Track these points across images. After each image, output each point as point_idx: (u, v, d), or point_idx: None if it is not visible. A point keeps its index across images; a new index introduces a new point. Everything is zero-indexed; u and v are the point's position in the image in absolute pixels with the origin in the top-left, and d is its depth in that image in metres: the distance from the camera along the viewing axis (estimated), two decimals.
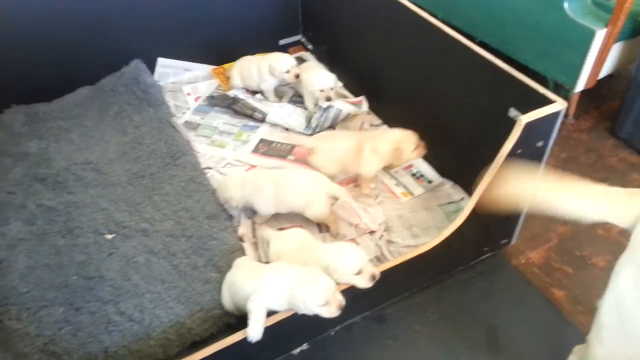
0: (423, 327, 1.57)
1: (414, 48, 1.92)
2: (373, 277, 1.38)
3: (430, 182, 1.95)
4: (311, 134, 2.18)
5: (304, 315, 1.32)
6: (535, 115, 1.36)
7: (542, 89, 1.45)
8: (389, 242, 1.75)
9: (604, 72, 2.05)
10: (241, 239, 1.78)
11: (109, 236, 1.76)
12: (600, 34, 1.89)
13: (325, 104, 2.17)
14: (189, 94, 2.46)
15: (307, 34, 2.74)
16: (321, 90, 2.16)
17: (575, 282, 1.67)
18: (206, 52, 2.55)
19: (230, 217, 1.84)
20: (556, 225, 1.84)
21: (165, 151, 2.06)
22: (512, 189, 1.32)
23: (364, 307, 1.58)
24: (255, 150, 2.14)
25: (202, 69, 2.57)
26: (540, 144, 1.45)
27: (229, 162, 2.10)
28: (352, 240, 1.77)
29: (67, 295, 1.58)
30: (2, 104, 2.24)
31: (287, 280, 1.33)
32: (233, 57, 2.49)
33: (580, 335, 1.46)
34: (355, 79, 2.29)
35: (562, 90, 2.08)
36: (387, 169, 1.99)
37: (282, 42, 2.74)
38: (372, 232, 1.78)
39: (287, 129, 2.22)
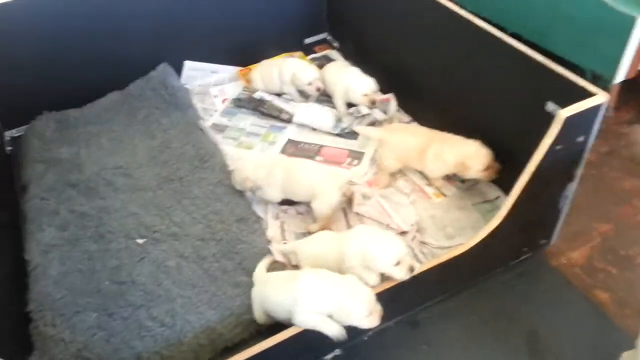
0: (459, 332, 1.52)
1: (444, 42, 1.86)
2: (411, 269, 1.34)
3: (463, 181, 1.88)
4: (339, 134, 2.15)
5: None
6: (575, 109, 1.30)
7: (581, 81, 1.38)
8: (422, 243, 1.70)
9: None
10: (269, 242, 1.76)
11: (140, 241, 1.76)
12: None
13: (365, 111, 2.15)
14: (216, 96, 2.45)
15: (333, 32, 2.70)
16: (365, 95, 2.12)
17: (620, 284, 1.59)
18: (232, 53, 2.55)
19: (259, 220, 1.83)
20: (598, 223, 1.76)
21: (193, 154, 2.05)
22: None
23: (397, 312, 1.54)
24: (283, 151, 2.11)
25: (228, 71, 2.56)
26: (581, 139, 1.38)
27: None
28: None
29: (99, 300, 1.59)
30: (35, 112, 2.28)
31: (326, 290, 1.29)
32: (259, 58, 2.48)
33: (628, 340, 1.39)
34: (383, 76, 2.23)
35: (601, 82, 1.98)
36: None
37: (307, 40, 2.72)
38: (403, 233, 1.74)
39: (314, 129, 2.19)
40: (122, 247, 1.74)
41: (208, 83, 2.52)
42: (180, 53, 2.47)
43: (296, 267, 1.62)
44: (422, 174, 1.93)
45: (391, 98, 2.26)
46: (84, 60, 2.26)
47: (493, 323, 1.53)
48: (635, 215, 1.77)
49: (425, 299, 1.57)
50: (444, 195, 1.86)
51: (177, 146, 2.11)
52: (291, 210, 1.87)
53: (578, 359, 1.43)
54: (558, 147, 1.34)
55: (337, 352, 1.47)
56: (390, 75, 2.23)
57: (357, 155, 2.05)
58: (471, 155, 1.71)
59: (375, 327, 1.31)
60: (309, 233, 1.75)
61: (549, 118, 1.38)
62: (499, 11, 2.24)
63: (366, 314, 1.26)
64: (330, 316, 1.28)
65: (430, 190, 1.88)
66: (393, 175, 1.93)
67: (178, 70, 2.46)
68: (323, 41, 2.74)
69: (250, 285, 1.58)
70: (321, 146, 2.11)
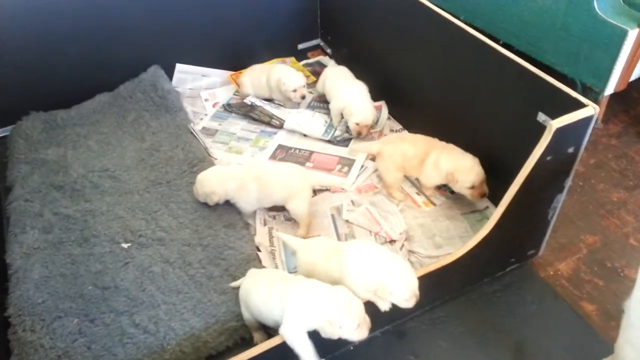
0: (446, 342, 1.51)
1: (437, 51, 1.86)
2: (417, 301, 1.33)
3: (452, 192, 1.87)
4: (329, 141, 2.14)
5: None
6: (566, 120, 1.30)
7: (573, 93, 1.38)
8: (411, 252, 1.69)
9: (635, 74, 1.96)
10: (258, 248, 1.74)
11: (125, 245, 1.74)
12: (633, 34, 1.80)
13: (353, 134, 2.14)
14: (206, 100, 2.43)
15: (326, 38, 2.70)
16: (357, 123, 2.08)
17: (606, 296, 1.59)
18: (224, 57, 2.54)
19: (247, 226, 1.81)
20: (585, 235, 1.76)
21: (182, 158, 2.03)
22: None
23: (384, 321, 1.52)
24: (273, 156, 2.10)
25: (220, 75, 2.55)
26: (571, 150, 1.38)
27: None
28: None
29: (81, 306, 1.56)
30: (22, 111, 2.24)
31: (316, 303, 1.26)
32: (251, 63, 2.47)
33: (613, 351, 1.38)
34: (375, 83, 2.23)
35: (591, 94, 2.00)
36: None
37: (300, 46, 2.72)
38: (392, 241, 1.73)
39: (305, 135, 2.18)
40: (107, 251, 1.71)
41: (199, 86, 2.51)
42: (172, 56, 2.45)
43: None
44: (413, 182, 1.93)
45: (382, 106, 2.26)
46: (73, 60, 2.24)
47: (480, 334, 1.52)
48: (622, 228, 1.78)
49: (412, 308, 1.55)
50: (434, 204, 1.86)
51: (166, 149, 2.09)
52: (280, 216, 1.85)
53: None
54: (548, 158, 1.34)
55: None
56: (381, 82, 2.23)
57: (347, 162, 2.04)
58: (463, 169, 1.71)
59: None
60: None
61: (540, 128, 1.38)
62: (492, 21, 2.26)
63: (355, 327, 1.24)
64: (318, 329, 1.26)
65: (420, 199, 1.88)
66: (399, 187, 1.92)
67: (169, 72, 2.44)
68: (316, 47, 2.74)
69: (236, 292, 1.56)
70: (311, 152, 2.10)
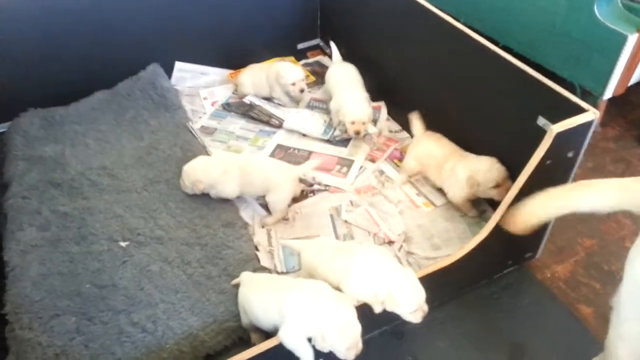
0: (444, 343, 1.51)
1: (436, 53, 1.87)
2: (424, 314, 1.33)
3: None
4: (328, 141, 2.14)
5: None
6: (566, 124, 1.30)
7: (573, 97, 1.39)
8: (409, 253, 1.70)
9: (633, 79, 1.97)
10: (256, 248, 1.74)
11: (123, 244, 1.73)
12: (632, 39, 1.81)
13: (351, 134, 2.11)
14: (205, 99, 2.43)
15: (325, 38, 2.70)
16: (352, 122, 2.06)
17: (603, 299, 1.60)
18: (223, 56, 2.53)
19: (245, 225, 1.81)
20: (583, 239, 1.77)
21: (180, 156, 2.02)
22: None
23: (382, 321, 1.52)
24: (272, 156, 2.09)
25: (219, 74, 2.54)
26: (570, 154, 1.39)
27: None
28: None
29: (79, 304, 1.55)
30: (20, 108, 2.23)
31: (314, 316, 1.25)
32: (250, 62, 2.47)
33: None
34: (374, 84, 2.23)
35: (590, 97, 2.00)
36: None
37: (300, 46, 2.71)
38: (390, 242, 1.73)
39: (304, 135, 2.18)
40: (105, 250, 1.71)
41: (198, 85, 2.50)
42: (171, 54, 2.44)
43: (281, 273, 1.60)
44: (413, 183, 1.93)
45: (381, 106, 2.26)
46: (72, 57, 2.22)
47: (478, 335, 1.52)
48: (619, 231, 1.79)
49: None
50: (434, 205, 1.86)
51: (165, 148, 2.08)
52: None
53: None
54: (548, 162, 1.35)
55: None
56: (380, 83, 2.24)
57: (346, 163, 2.04)
58: (482, 170, 1.67)
59: None
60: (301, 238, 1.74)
61: (540, 132, 1.38)
62: (492, 24, 2.26)
63: (345, 350, 1.23)
64: (310, 338, 1.26)
65: (419, 200, 1.88)
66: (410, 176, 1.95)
67: (168, 71, 2.43)
68: (316, 47, 2.74)
69: (234, 292, 1.56)
70: (310, 152, 2.10)
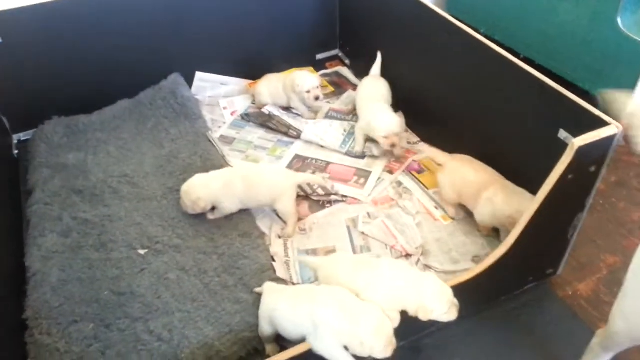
0: (461, 359, 1.49)
1: (456, 64, 1.86)
2: (457, 307, 1.34)
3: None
4: (347, 154, 2.13)
5: None
6: (588, 138, 1.28)
7: (595, 110, 1.36)
8: (427, 266, 1.68)
9: None
10: (272, 259, 1.74)
11: (142, 251, 1.75)
12: None
13: (376, 152, 2.10)
14: (225, 108, 2.45)
15: (345, 49, 2.71)
16: (386, 137, 1.99)
17: None
18: (243, 66, 2.55)
19: (262, 236, 1.81)
20: (606, 255, 1.73)
21: (200, 165, 2.04)
22: None
23: (400, 337, 1.49)
24: (290, 166, 2.10)
25: (238, 84, 2.57)
26: (593, 169, 1.36)
27: None
28: None
29: (97, 310, 1.57)
30: (44, 116, 2.28)
31: (349, 322, 1.26)
32: (269, 72, 2.48)
33: None
34: (393, 95, 2.23)
35: None
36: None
37: (319, 56, 2.72)
38: (408, 255, 1.71)
39: (322, 146, 2.18)
40: (124, 257, 1.73)
41: (218, 95, 2.53)
42: (192, 64, 2.47)
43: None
44: (431, 196, 1.91)
45: (400, 116, 2.25)
46: (95, 67, 2.27)
47: (496, 353, 1.50)
48: None
49: (428, 324, 1.52)
50: (452, 218, 1.84)
51: (185, 157, 2.10)
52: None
53: None
54: (570, 177, 1.32)
55: None
56: (399, 94, 2.23)
57: (364, 174, 2.04)
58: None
59: None
60: (311, 251, 1.74)
61: (561, 146, 1.36)
62: (513, 35, 2.24)
63: (385, 346, 1.25)
64: (347, 346, 1.26)
65: (437, 213, 1.86)
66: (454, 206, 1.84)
67: (189, 80, 2.47)
68: (335, 58, 2.74)
69: (250, 302, 1.56)
70: (328, 163, 2.10)
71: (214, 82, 2.54)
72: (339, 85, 2.56)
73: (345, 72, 2.64)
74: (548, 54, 2.14)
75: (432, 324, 1.52)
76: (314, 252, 1.75)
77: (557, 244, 1.58)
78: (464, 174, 1.73)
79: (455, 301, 1.35)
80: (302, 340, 1.32)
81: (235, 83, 2.56)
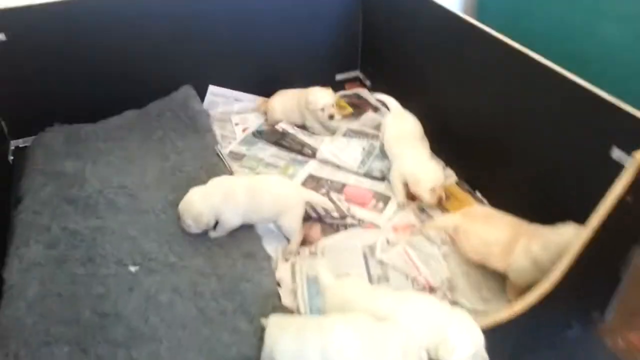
0: None
1: (493, 78, 1.70)
2: None
3: None
4: (365, 175, 1.95)
5: None
6: None
7: None
8: (454, 303, 1.47)
9: None
10: (278, 284, 1.54)
11: (133, 268, 1.57)
12: None
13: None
14: (237, 124, 2.31)
15: (366, 70, 2.58)
16: (432, 189, 1.73)
17: None
18: (258, 83, 2.44)
19: (267, 258, 1.62)
20: None
21: (205, 180, 1.85)
22: None
23: None
24: (303, 186, 1.93)
25: (252, 100, 2.44)
26: None
27: None
28: None
29: (76, 332, 1.38)
30: (45, 123, 2.16)
31: (369, 347, 1.09)
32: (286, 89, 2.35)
33: None
34: (419, 119, 2.06)
35: None
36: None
37: (339, 77, 2.60)
38: (432, 289, 1.51)
39: (339, 166, 2.01)
40: (112, 274, 1.55)
41: (230, 110, 2.40)
42: (205, 77, 2.36)
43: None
44: None
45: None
46: (103, 74, 2.15)
47: None
48: None
49: None
50: None
51: (190, 170, 1.95)
52: (304, 250, 1.66)
53: None
54: (628, 199, 1.13)
55: None
56: (426, 119, 2.05)
57: (383, 198, 1.86)
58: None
59: None
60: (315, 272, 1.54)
61: (612, 167, 1.18)
62: (548, 53, 2.07)
63: None
64: None
65: None
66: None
67: (201, 93, 2.35)
68: (355, 79, 2.61)
69: (250, 332, 1.37)
70: (344, 184, 1.92)
71: (227, 97, 2.41)
72: (358, 107, 2.41)
73: (366, 94, 2.50)
74: (589, 76, 1.97)
75: None
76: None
77: (607, 283, 1.36)
78: (482, 236, 1.51)
79: (486, 356, 1.14)
80: None
81: (249, 99, 2.43)
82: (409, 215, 1.78)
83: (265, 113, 2.31)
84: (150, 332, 1.38)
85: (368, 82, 2.56)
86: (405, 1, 2.12)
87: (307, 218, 1.74)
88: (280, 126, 2.22)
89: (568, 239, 1.29)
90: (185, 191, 1.80)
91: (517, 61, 1.56)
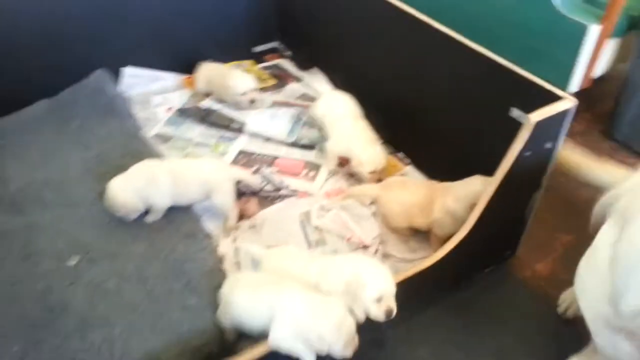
0: (426, 351, 1.43)
1: (401, 47, 1.81)
2: (389, 312, 1.25)
3: None
4: (294, 143, 2.03)
5: None
6: (545, 113, 1.26)
7: (548, 85, 1.35)
8: (385, 256, 1.61)
9: (597, 71, 1.97)
10: (221, 260, 1.61)
11: (73, 261, 1.57)
12: (594, 30, 1.81)
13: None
14: (158, 106, 2.28)
15: (284, 40, 2.61)
16: (372, 172, 1.81)
17: None
18: (176, 60, 2.39)
19: (208, 236, 1.68)
20: (560, 234, 1.74)
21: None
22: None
23: (363, 331, 1.42)
24: (235, 162, 1.97)
25: (172, 79, 2.40)
26: (549, 145, 1.34)
27: None
28: None
29: (25, 329, 1.38)
30: None
31: (310, 316, 1.18)
32: None
33: None
34: (338, 83, 2.16)
35: None
36: None
37: (257, 49, 2.61)
38: (365, 247, 1.64)
39: (268, 139, 2.07)
40: (53, 269, 1.54)
41: (150, 91, 2.34)
42: (119, 58, 2.28)
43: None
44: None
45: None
46: (9, 65, 2.03)
47: (460, 340, 1.45)
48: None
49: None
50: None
51: (115, 158, 1.91)
52: (243, 224, 1.73)
53: None
54: (527, 154, 1.30)
55: None
56: (345, 82, 2.15)
57: (314, 167, 1.95)
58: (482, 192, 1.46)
59: None
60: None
61: (514, 125, 1.34)
62: (450, 20, 2.21)
63: (343, 346, 1.17)
64: (305, 341, 1.18)
65: None
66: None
67: (116, 76, 2.28)
68: (274, 50, 2.64)
69: (200, 307, 1.43)
70: (275, 157, 1.99)
71: (144, 78, 2.35)
72: (280, 78, 2.46)
73: (286, 64, 2.55)
74: (485, 38, 2.12)
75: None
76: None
77: (514, 226, 1.56)
78: (401, 201, 1.65)
79: (393, 304, 1.27)
80: (261, 332, 1.24)
81: (168, 78, 2.40)
82: (340, 181, 1.90)
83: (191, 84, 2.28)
84: (101, 319, 1.41)
85: (288, 52, 2.60)
86: None
87: (242, 193, 1.80)
88: (204, 104, 2.23)
89: (476, 189, 1.47)
90: None
91: (422, 31, 1.67)
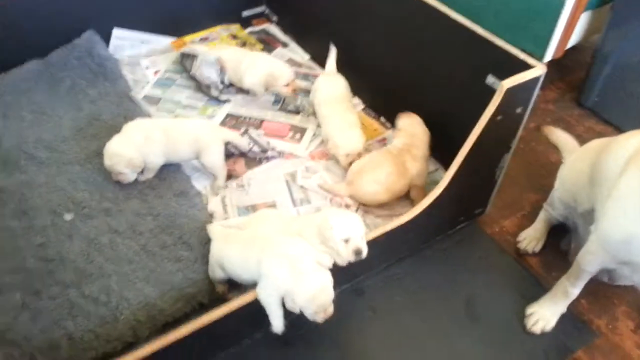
0: (402, 297, 1.55)
1: (384, 15, 1.86)
2: (357, 251, 1.34)
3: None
4: (281, 108, 2.10)
5: None
6: (516, 80, 1.34)
7: (521, 54, 1.43)
8: (366, 213, 1.72)
9: (571, 42, 2.06)
10: (211, 217, 1.70)
11: (68, 217, 1.65)
12: (570, 2, 1.88)
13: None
14: (147, 68, 2.32)
15: (271, 5, 2.64)
16: (347, 155, 1.83)
17: (547, 249, 1.69)
18: (165, 22, 2.42)
19: (198, 194, 1.76)
20: (528, 194, 1.85)
21: None
22: None
23: (343, 280, 1.54)
24: (222, 125, 2.04)
25: (160, 42, 2.43)
26: (519, 110, 1.44)
27: None
28: None
29: (24, 278, 1.47)
30: None
31: (290, 279, 1.25)
32: (193, 29, 2.39)
33: None
34: (323, 49, 2.21)
35: None
36: None
37: (245, 13, 2.64)
38: (347, 206, 1.74)
39: (253, 101, 2.13)
40: (48, 224, 1.62)
41: (138, 54, 2.38)
42: (108, 20, 2.30)
43: None
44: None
45: (331, 49, 2.17)
46: None
47: (434, 288, 1.58)
48: None
49: (369, 267, 1.58)
50: None
51: (107, 118, 1.98)
52: (232, 183, 1.81)
53: (510, 319, 1.51)
54: (498, 118, 1.39)
55: None
56: (326, 48, 2.20)
57: (299, 129, 2.03)
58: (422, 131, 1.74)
59: None
60: (250, 207, 1.72)
61: (488, 91, 1.42)
62: None
63: (313, 313, 1.24)
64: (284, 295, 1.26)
65: None
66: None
67: (105, 38, 2.31)
68: (261, 15, 2.67)
69: (192, 258, 1.53)
70: (262, 120, 2.06)
71: (133, 40, 2.38)
72: (267, 43, 2.50)
73: (273, 29, 2.58)
74: (465, 10, 2.18)
75: (374, 266, 1.58)
76: (253, 208, 1.73)
77: (485, 185, 1.67)
78: (377, 179, 1.69)
79: (360, 246, 1.35)
80: (254, 282, 1.32)
81: (157, 41, 2.43)
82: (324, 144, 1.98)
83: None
84: (97, 271, 1.50)
85: (275, 17, 2.63)
86: None
87: (231, 154, 1.88)
88: (187, 49, 2.24)
89: (423, 128, 1.77)
90: (107, 139, 1.86)
91: (404, 1, 1.73)
